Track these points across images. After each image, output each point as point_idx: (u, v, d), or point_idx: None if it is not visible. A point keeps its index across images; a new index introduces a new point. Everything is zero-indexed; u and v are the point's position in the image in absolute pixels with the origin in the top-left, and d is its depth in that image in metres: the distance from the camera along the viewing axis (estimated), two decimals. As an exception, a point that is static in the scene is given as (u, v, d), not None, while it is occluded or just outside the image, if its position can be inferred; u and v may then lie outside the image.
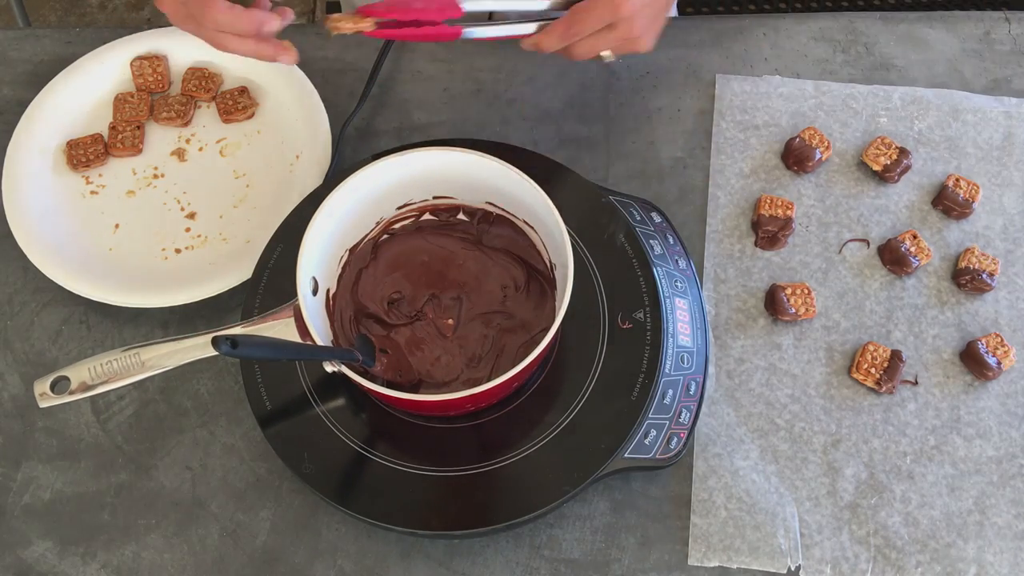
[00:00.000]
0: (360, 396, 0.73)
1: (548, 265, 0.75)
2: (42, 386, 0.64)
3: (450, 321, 0.75)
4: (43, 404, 0.64)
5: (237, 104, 0.89)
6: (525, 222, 0.75)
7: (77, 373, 0.65)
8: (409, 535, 0.72)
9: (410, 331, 0.75)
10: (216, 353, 0.64)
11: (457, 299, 0.76)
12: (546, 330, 0.66)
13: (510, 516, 0.68)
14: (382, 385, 0.69)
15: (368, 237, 0.77)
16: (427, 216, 0.78)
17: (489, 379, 0.66)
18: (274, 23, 0.75)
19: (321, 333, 0.68)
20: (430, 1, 0.74)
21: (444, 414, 0.72)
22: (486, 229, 0.77)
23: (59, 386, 0.64)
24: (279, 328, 0.69)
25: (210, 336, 0.65)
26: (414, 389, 0.73)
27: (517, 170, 0.70)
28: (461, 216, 0.78)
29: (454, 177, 0.74)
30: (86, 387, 0.64)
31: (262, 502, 0.75)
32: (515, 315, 0.75)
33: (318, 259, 0.71)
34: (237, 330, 0.68)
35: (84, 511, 0.75)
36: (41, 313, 0.83)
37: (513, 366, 0.65)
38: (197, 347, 0.66)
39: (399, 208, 0.77)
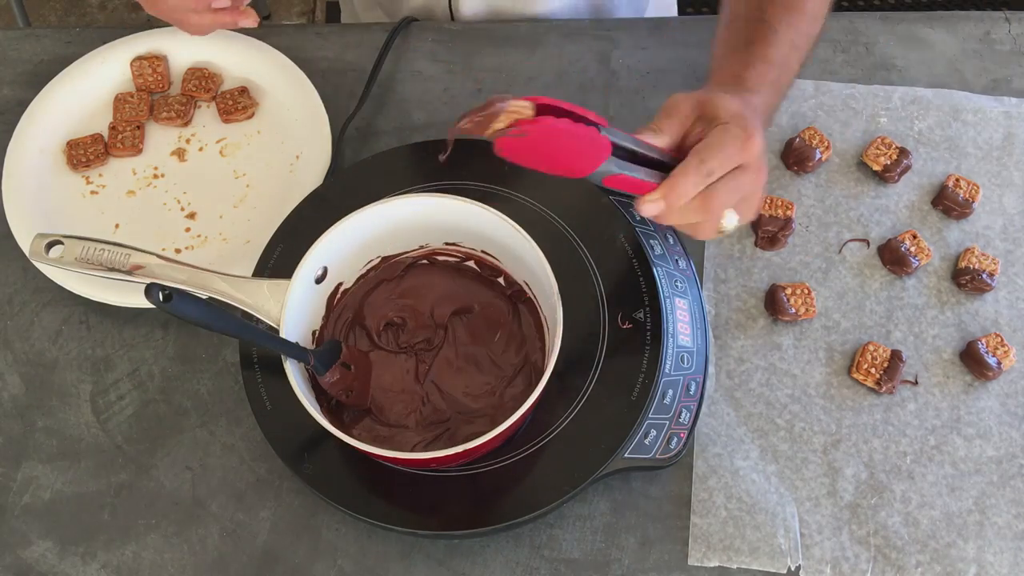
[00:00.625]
0: (360, 396, 0.73)
1: (545, 356, 0.73)
2: (40, 243, 0.68)
3: (428, 367, 0.74)
4: (34, 260, 0.69)
5: (237, 104, 0.89)
6: (541, 311, 0.74)
7: (73, 246, 0.68)
8: (409, 535, 0.72)
9: (391, 360, 0.74)
10: (195, 290, 0.65)
11: (448, 352, 0.74)
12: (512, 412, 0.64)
13: (510, 516, 0.68)
14: (332, 397, 0.70)
15: (408, 254, 0.76)
16: (471, 264, 0.77)
17: (433, 445, 0.67)
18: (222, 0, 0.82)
19: (304, 318, 0.67)
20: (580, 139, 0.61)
21: (378, 460, 0.70)
22: (516, 306, 0.76)
23: (54, 249, 0.68)
24: (268, 286, 0.70)
25: (196, 270, 0.68)
26: (360, 415, 0.72)
27: (548, 267, 0.68)
28: (501, 281, 0.76)
29: (507, 250, 0.73)
30: (76, 261, 0.68)
31: (262, 502, 0.75)
32: (491, 399, 0.73)
33: (339, 251, 0.71)
34: (219, 284, 0.69)
35: (84, 511, 0.75)
36: (41, 313, 0.83)
37: (466, 441, 0.64)
38: (184, 272, 0.68)
39: (447, 244, 0.76)
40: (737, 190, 0.64)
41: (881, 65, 0.92)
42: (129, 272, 0.67)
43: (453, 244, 0.76)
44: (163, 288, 0.53)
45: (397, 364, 0.74)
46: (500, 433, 0.64)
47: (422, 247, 0.76)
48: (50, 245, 0.69)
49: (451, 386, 0.73)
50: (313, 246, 0.68)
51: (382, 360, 0.74)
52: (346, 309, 0.75)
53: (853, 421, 0.77)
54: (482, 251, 0.76)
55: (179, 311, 0.55)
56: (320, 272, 0.70)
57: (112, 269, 0.67)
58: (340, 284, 0.74)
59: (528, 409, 0.64)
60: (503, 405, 0.72)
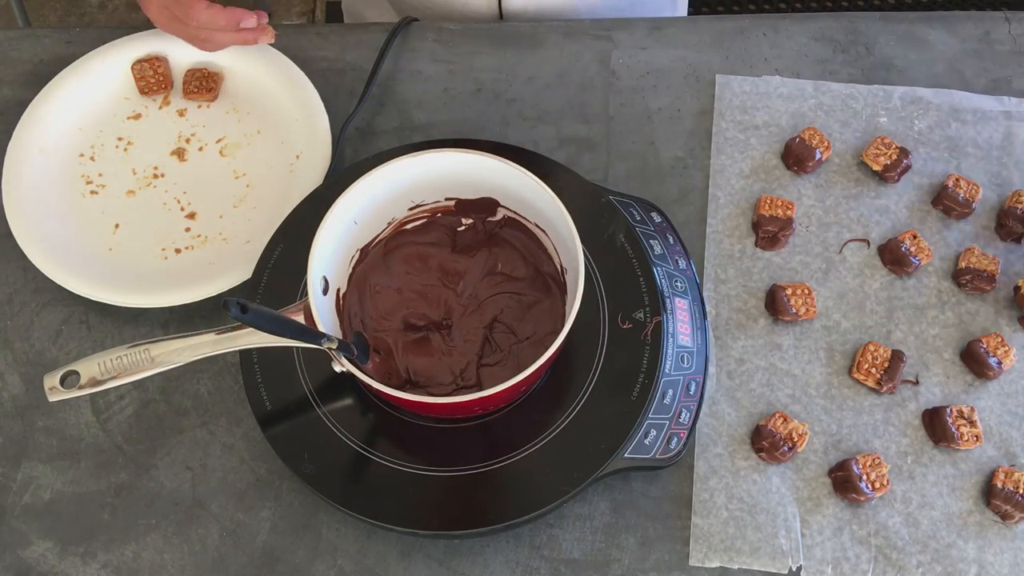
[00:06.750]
0: (361, 396, 0.73)
1: (559, 269, 0.75)
2: (52, 380, 0.64)
3: (449, 328, 0.75)
4: (53, 398, 0.64)
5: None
6: (536, 225, 0.75)
7: (87, 368, 0.64)
8: (409, 535, 0.72)
9: (409, 335, 0.75)
10: (224, 351, 0.65)
11: (460, 306, 0.76)
12: (554, 334, 0.66)
13: (510, 516, 0.68)
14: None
15: (379, 238, 0.77)
16: (439, 216, 0.78)
17: (477, 389, 0.66)
18: (250, 20, 0.86)
19: (331, 332, 0.68)
20: None
21: (451, 416, 0.72)
22: (496, 231, 0.77)
23: (68, 380, 0.64)
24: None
25: (220, 334, 0.66)
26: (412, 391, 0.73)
27: (532, 175, 0.70)
28: (472, 218, 0.77)
29: (467, 179, 0.74)
30: (95, 382, 0.64)
31: (262, 502, 0.75)
32: (515, 326, 0.75)
33: (329, 258, 0.71)
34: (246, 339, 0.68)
35: (84, 511, 0.75)
36: (41, 313, 0.83)
37: (509, 377, 0.64)
38: (206, 344, 0.66)
39: (411, 209, 0.77)
40: None
41: (881, 65, 0.92)
42: (152, 363, 0.65)
43: (417, 206, 0.76)
44: (238, 302, 0.55)
45: (417, 334, 0.75)
46: (522, 380, 0.65)
47: (390, 223, 0.76)
48: (64, 378, 0.64)
49: (476, 330, 0.75)
50: (310, 258, 0.68)
51: (402, 337, 0.75)
52: (354, 309, 0.75)
53: (854, 421, 0.77)
54: (445, 198, 0.76)
55: (254, 322, 0.59)
56: (324, 283, 0.70)
57: (137, 371, 0.65)
58: (339, 290, 0.74)
59: (550, 358, 0.65)
60: (529, 318, 0.75)
